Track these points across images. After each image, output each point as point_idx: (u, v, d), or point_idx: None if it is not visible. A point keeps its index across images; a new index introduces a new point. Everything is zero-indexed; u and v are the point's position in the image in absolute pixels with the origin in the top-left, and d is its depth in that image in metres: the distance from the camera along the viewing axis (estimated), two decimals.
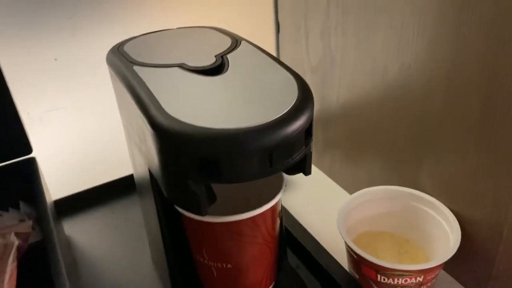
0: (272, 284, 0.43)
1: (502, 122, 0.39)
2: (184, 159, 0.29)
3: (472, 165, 0.43)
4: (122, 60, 0.37)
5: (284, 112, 0.30)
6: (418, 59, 0.45)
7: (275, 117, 0.29)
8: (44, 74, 0.55)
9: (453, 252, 0.43)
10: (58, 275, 0.39)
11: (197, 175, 0.29)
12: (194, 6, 0.61)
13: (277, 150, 0.29)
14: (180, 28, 0.45)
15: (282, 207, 0.58)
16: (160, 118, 0.29)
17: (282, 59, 0.70)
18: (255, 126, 0.28)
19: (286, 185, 0.39)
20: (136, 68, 0.35)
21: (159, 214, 0.39)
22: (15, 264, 0.43)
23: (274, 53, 0.70)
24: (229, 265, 0.38)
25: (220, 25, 0.45)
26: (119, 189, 0.64)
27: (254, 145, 0.28)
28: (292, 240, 0.53)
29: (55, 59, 0.54)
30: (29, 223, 0.48)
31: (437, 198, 0.48)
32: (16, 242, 0.45)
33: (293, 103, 0.30)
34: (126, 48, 0.40)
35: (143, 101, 0.31)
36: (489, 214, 0.43)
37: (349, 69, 0.55)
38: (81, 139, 0.60)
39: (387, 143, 0.54)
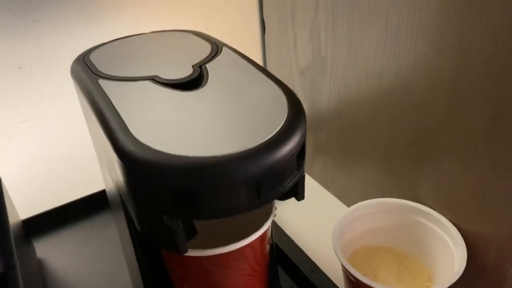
0: None
1: (506, 131, 0.35)
2: (156, 192, 0.25)
3: (478, 177, 0.40)
4: (87, 72, 0.33)
5: (272, 135, 0.25)
6: (418, 63, 0.41)
7: (262, 141, 0.25)
8: (7, 83, 0.50)
9: (459, 274, 0.39)
10: None
11: (172, 210, 0.25)
12: (175, 6, 0.57)
13: (265, 179, 0.25)
14: (155, 32, 0.41)
15: (273, 222, 0.54)
16: (127, 145, 0.25)
17: (268, 61, 0.66)
18: (239, 153, 0.24)
19: (276, 210, 0.35)
20: (101, 81, 0.31)
21: (135, 245, 0.35)
22: None
23: (259, 56, 0.66)
24: None
25: (202, 25, 0.41)
26: (93, 205, 0.59)
27: (238, 175, 0.24)
28: (284, 259, 0.49)
29: (19, 67, 0.49)
30: None
31: (439, 212, 0.45)
32: None
33: (283, 123, 0.26)
34: (93, 57, 0.35)
35: (108, 123, 0.27)
36: (498, 230, 0.40)
37: (341, 72, 0.51)
38: (50, 153, 0.55)
39: (383, 150, 0.50)
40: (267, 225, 0.32)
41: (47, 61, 0.51)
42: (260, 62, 0.66)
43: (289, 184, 0.27)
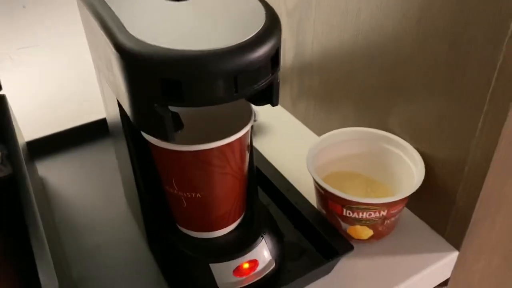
0: (241, 217, 0.44)
1: (466, 67, 0.40)
2: (147, 80, 0.29)
3: (438, 108, 0.44)
4: None
5: (249, 37, 0.30)
6: (389, 2, 0.45)
7: (240, 41, 0.29)
8: (13, 19, 0.53)
9: (415, 187, 0.44)
10: (29, 210, 0.40)
11: (161, 97, 0.29)
12: None
13: (241, 75, 0.29)
14: None
15: (255, 149, 0.59)
16: (123, 40, 0.29)
17: None
18: (219, 49, 0.28)
19: (256, 119, 0.39)
20: None
21: (129, 146, 0.40)
22: None
23: None
24: (198, 195, 0.39)
25: None
26: (93, 132, 0.63)
27: (217, 68, 0.28)
28: (264, 179, 0.54)
29: (23, 6, 0.53)
30: None
31: (405, 139, 0.50)
32: None
33: (259, 29, 0.31)
34: None
35: (107, 25, 0.31)
36: (452, 153, 0.45)
37: (324, 11, 0.55)
38: (55, 80, 0.59)
39: (359, 87, 0.55)
40: (246, 129, 0.37)
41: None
42: None
43: (263, 84, 0.31)
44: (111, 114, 0.44)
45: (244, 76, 0.30)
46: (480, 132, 0.41)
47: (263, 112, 0.71)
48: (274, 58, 0.32)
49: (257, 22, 0.31)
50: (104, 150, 0.63)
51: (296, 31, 0.62)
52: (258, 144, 0.65)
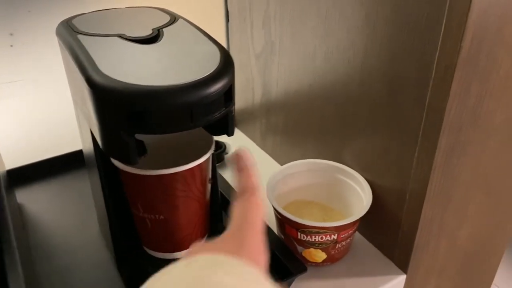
0: (204, 239, 0.48)
1: (401, 105, 0.45)
2: (114, 110, 0.33)
3: (382, 141, 0.50)
4: (68, 31, 0.41)
5: (204, 75, 0.35)
6: (340, 46, 0.51)
7: (195, 79, 0.34)
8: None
9: (362, 213, 0.49)
10: (5, 234, 0.43)
11: (126, 126, 0.34)
12: None
13: (196, 107, 0.34)
14: (129, 7, 0.50)
15: (223, 177, 0.63)
16: (94, 76, 0.34)
17: (231, 46, 0.76)
18: (177, 85, 0.33)
19: (227, 152, 0.44)
20: (80, 36, 0.40)
21: (100, 172, 0.44)
22: None
23: (224, 42, 0.75)
24: (161, 217, 0.43)
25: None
26: (70, 162, 0.67)
27: (175, 101, 0.33)
28: (228, 206, 0.58)
29: (11, 34, 0.58)
30: None
31: (356, 170, 0.55)
32: None
33: (214, 69, 0.36)
34: (75, 21, 0.44)
35: (82, 63, 0.36)
36: (395, 182, 0.49)
37: (286, 55, 0.61)
38: (37, 113, 0.64)
39: (317, 124, 0.60)
40: (205, 157, 0.41)
41: (36, 29, 0.59)
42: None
43: (217, 116, 0.36)
44: (85, 143, 0.48)
45: (199, 109, 0.35)
46: (416, 163, 0.46)
47: (235, 146, 0.76)
48: (228, 93, 0.37)
49: (213, 63, 0.36)
50: (80, 179, 0.66)
51: (263, 72, 0.68)
52: (230, 174, 0.69)
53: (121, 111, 0.33)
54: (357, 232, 0.58)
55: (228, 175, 0.69)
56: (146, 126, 0.34)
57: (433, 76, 0.41)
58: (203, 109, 0.35)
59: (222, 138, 0.76)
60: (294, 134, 0.66)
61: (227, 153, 0.74)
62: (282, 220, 0.50)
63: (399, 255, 0.52)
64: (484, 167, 0.51)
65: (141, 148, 0.36)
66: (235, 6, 0.70)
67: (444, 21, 0.39)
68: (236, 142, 0.78)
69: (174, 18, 0.44)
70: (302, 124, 0.63)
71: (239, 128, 0.81)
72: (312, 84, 0.58)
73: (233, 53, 0.75)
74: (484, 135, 0.47)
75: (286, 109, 0.66)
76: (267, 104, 0.70)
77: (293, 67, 0.60)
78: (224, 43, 0.75)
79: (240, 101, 0.78)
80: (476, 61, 0.40)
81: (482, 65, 0.41)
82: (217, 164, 0.71)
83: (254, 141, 0.77)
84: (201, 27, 0.45)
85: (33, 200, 0.63)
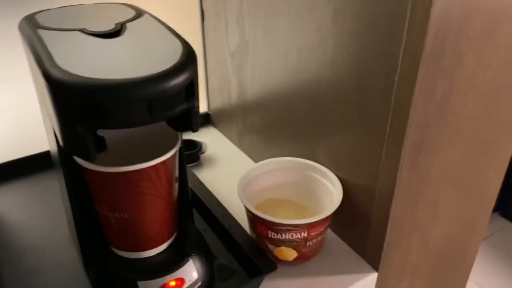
0: (172, 238, 0.47)
1: (370, 103, 0.45)
2: (70, 104, 0.33)
3: (352, 139, 0.49)
4: (29, 25, 0.41)
5: (164, 69, 0.34)
6: (310, 44, 0.51)
7: (154, 72, 0.33)
8: None
9: (332, 211, 0.48)
10: None
11: (82, 120, 0.33)
12: None
13: (155, 101, 0.34)
14: (96, 3, 0.49)
15: (196, 177, 0.63)
16: (51, 70, 0.33)
17: (207, 45, 0.75)
18: (134, 78, 0.33)
19: (203, 151, 0.43)
20: (40, 31, 0.39)
21: (64, 170, 0.43)
22: None
23: (199, 41, 0.75)
24: (126, 215, 0.42)
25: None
26: (40, 163, 0.66)
27: (132, 94, 0.32)
28: (202, 205, 0.57)
29: None
30: None
31: (328, 168, 0.54)
32: None
33: (174, 62, 0.35)
34: (38, 16, 0.43)
35: (40, 57, 0.35)
36: (365, 179, 0.49)
37: (260, 54, 0.61)
38: (4, 112, 0.63)
39: (291, 122, 0.60)
40: (169, 154, 0.41)
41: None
42: (200, 46, 0.75)
43: (177, 111, 0.36)
44: (51, 141, 0.47)
45: (158, 103, 0.34)
46: (384, 159, 0.46)
47: (212, 145, 0.75)
48: (189, 88, 0.36)
49: (174, 56, 0.36)
50: (52, 179, 0.65)
51: (238, 70, 0.67)
52: (205, 174, 0.68)
53: (77, 105, 0.33)
54: (330, 230, 0.57)
55: (203, 174, 0.68)
56: (103, 121, 0.33)
57: (398, 72, 0.41)
58: (162, 103, 0.34)
59: (199, 137, 0.76)
60: (270, 133, 0.66)
61: (203, 153, 0.73)
62: (253, 218, 0.50)
63: (370, 252, 0.52)
64: (453, 165, 0.51)
65: (101, 144, 0.36)
66: (210, 4, 0.70)
67: (408, 17, 0.39)
68: (213, 141, 0.77)
69: (139, 13, 0.44)
70: (277, 123, 0.63)
71: (216, 128, 0.81)
72: (285, 82, 0.57)
73: (209, 52, 0.75)
74: (452, 132, 0.47)
75: (261, 108, 0.65)
76: (243, 103, 0.69)
77: (267, 66, 0.60)
78: (200, 42, 0.75)
79: (217, 100, 0.78)
80: (440, 58, 0.40)
81: (447, 61, 0.41)
82: (193, 164, 0.71)
83: (232, 140, 0.77)
84: (177, 25, 0.44)
85: (3, 201, 0.62)
